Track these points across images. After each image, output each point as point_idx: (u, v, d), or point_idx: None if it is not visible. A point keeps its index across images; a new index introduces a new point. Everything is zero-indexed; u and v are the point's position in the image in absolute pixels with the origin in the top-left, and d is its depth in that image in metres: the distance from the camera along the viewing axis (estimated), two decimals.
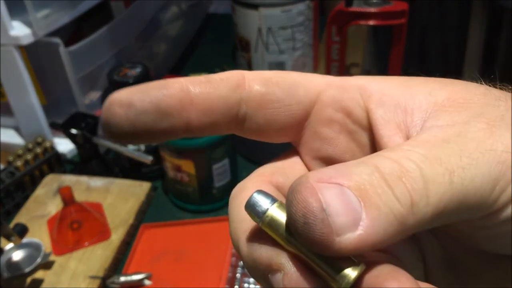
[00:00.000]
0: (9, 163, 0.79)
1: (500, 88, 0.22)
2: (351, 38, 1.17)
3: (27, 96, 0.83)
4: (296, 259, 0.18)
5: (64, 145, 0.89)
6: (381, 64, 1.88)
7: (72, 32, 0.95)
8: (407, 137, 0.20)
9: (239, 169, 0.84)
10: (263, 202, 0.19)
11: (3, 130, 0.94)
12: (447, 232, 0.21)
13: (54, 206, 0.77)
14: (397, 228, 0.17)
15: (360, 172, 0.17)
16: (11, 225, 0.61)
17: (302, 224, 0.16)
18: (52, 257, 0.69)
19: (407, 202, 0.17)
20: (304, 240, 0.17)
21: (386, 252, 0.21)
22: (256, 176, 0.24)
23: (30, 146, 0.81)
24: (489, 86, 0.22)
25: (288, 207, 0.17)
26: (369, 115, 0.22)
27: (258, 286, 0.66)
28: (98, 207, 0.76)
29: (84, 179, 0.81)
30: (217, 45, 1.25)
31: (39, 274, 0.67)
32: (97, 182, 0.81)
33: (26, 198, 0.80)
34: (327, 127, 0.23)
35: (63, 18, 0.80)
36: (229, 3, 1.05)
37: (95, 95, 0.89)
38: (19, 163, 0.78)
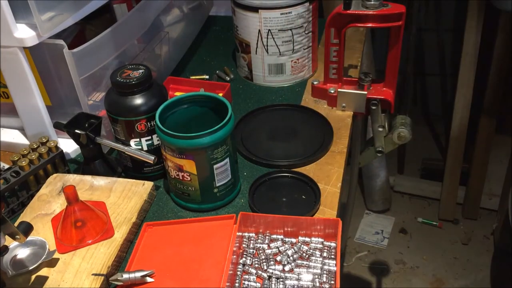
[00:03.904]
0: (14, 163, 0.80)
1: None
2: (349, 40, 1.18)
3: (31, 97, 0.84)
4: None
5: (68, 145, 0.90)
6: (378, 65, 1.89)
7: (76, 34, 0.96)
8: None
9: (240, 169, 0.85)
10: None
11: (8, 131, 0.95)
12: None
13: (58, 205, 0.78)
14: None
15: None
16: (16, 223, 0.62)
17: None
18: (56, 255, 0.70)
19: None
20: None
21: None
22: None
23: (35, 146, 0.82)
24: None
25: None
26: None
27: (258, 284, 0.67)
28: (101, 205, 0.77)
29: (87, 178, 0.82)
30: (218, 47, 1.27)
31: (43, 272, 0.68)
32: (100, 181, 0.82)
33: (30, 197, 0.81)
34: None
35: (67, 20, 0.81)
36: (229, 5, 1.06)
37: (98, 96, 0.90)
38: (23, 163, 0.79)
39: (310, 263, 0.69)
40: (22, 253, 0.70)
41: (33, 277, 0.68)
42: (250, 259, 0.70)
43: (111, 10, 1.02)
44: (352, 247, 2.04)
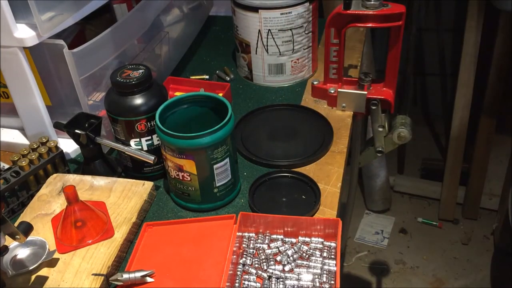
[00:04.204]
0: (14, 163, 0.80)
1: None
2: (349, 40, 1.18)
3: (31, 97, 0.84)
4: None
5: (68, 145, 0.90)
6: (378, 65, 1.89)
7: (76, 34, 0.96)
8: None
9: (240, 169, 0.85)
10: None
11: (8, 131, 0.95)
12: None
13: (58, 205, 0.78)
14: None
15: None
16: (16, 223, 0.62)
17: None
18: (56, 255, 0.70)
19: None
20: None
21: None
22: None
23: (35, 146, 0.82)
24: None
25: None
26: None
27: (258, 284, 0.67)
28: (101, 205, 0.77)
29: (87, 178, 0.82)
30: (218, 47, 1.27)
31: (43, 272, 0.68)
32: (100, 181, 0.82)
33: (30, 197, 0.81)
34: None
35: (67, 20, 0.81)
36: (230, 5, 1.06)
37: (98, 96, 0.90)
38: (23, 163, 0.79)
39: (310, 263, 0.69)
40: (22, 253, 0.70)
41: (33, 277, 0.68)
42: (250, 259, 0.70)
43: (111, 10, 1.02)
44: (352, 247, 2.04)
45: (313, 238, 0.72)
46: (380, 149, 1.02)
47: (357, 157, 1.15)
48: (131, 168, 0.85)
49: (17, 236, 0.61)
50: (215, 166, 0.75)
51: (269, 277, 0.68)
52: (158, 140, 0.81)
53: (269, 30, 1.01)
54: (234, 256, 0.69)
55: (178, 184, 0.77)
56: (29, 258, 0.69)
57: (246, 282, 0.67)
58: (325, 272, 0.67)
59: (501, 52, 1.73)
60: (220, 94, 0.96)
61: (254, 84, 1.11)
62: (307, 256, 0.70)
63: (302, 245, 0.72)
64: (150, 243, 0.73)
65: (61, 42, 0.80)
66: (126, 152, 0.81)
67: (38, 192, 0.81)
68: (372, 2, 0.87)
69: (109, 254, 0.70)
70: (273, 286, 0.66)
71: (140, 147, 0.81)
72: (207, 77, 1.13)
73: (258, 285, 0.67)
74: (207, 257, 0.70)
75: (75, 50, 0.79)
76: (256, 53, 1.05)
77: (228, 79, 1.13)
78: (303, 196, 0.80)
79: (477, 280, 1.87)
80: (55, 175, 0.83)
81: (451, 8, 2.16)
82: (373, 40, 2.07)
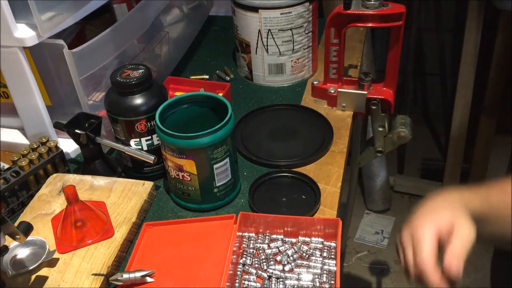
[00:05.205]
0: (14, 163, 0.80)
1: None
2: (349, 40, 1.18)
3: (31, 97, 0.84)
4: None
5: (68, 145, 0.90)
6: (378, 65, 1.89)
7: (76, 34, 0.96)
8: None
9: (240, 169, 0.85)
10: None
11: (8, 131, 0.95)
12: None
13: (58, 205, 0.78)
14: None
15: None
16: (16, 223, 0.62)
17: None
18: (56, 255, 0.70)
19: None
20: None
21: None
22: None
23: (35, 146, 0.82)
24: None
25: None
26: None
27: (258, 284, 0.67)
28: (101, 205, 0.77)
29: (87, 178, 0.82)
30: (218, 47, 1.27)
31: (43, 272, 0.68)
32: (100, 181, 0.82)
33: (30, 197, 0.81)
34: None
35: (67, 20, 0.81)
36: (230, 5, 1.06)
37: (98, 96, 0.90)
38: (23, 162, 0.79)
39: (310, 263, 0.69)
40: (22, 253, 0.70)
41: (33, 277, 0.68)
42: (250, 259, 0.70)
43: (111, 10, 1.02)
44: (352, 247, 2.03)
45: (313, 238, 0.72)
46: (380, 149, 1.02)
47: (357, 157, 1.15)
48: (131, 168, 0.85)
49: (17, 236, 0.61)
50: (215, 166, 0.75)
51: (269, 277, 0.68)
52: (158, 140, 0.81)
53: (269, 30, 1.01)
54: (234, 256, 0.69)
55: (178, 184, 0.77)
56: (29, 258, 0.70)
57: (246, 282, 0.67)
58: (325, 272, 0.67)
59: (501, 52, 1.73)
60: (220, 94, 0.96)
61: (254, 84, 1.11)
62: (307, 256, 0.70)
63: (302, 245, 0.72)
64: (150, 243, 0.73)
65: (61, 42, 0.80)
66: (126, 152, 0.81)
67: (38, 192, 0.81)
68: (372, 2, 0.87)
69: (109, 254, 0.70)
70: (273, 286, 0.66)
71: (140, 147, 0.81)
72: (207, 77, 1.13)
73: (258, 285, 0.67)
74: (207, 257, 0.70)
75: (75, 50, 0.79)
76: (256, 53, 1.05)
77: (228, 79, 1.13)
78: (303, 196, 0.80)
79: (477, 280, 1.87)
80: (55, 175, 0.83)
81: (451, 8, 2.16)
82: (373, 40, 2.07)
